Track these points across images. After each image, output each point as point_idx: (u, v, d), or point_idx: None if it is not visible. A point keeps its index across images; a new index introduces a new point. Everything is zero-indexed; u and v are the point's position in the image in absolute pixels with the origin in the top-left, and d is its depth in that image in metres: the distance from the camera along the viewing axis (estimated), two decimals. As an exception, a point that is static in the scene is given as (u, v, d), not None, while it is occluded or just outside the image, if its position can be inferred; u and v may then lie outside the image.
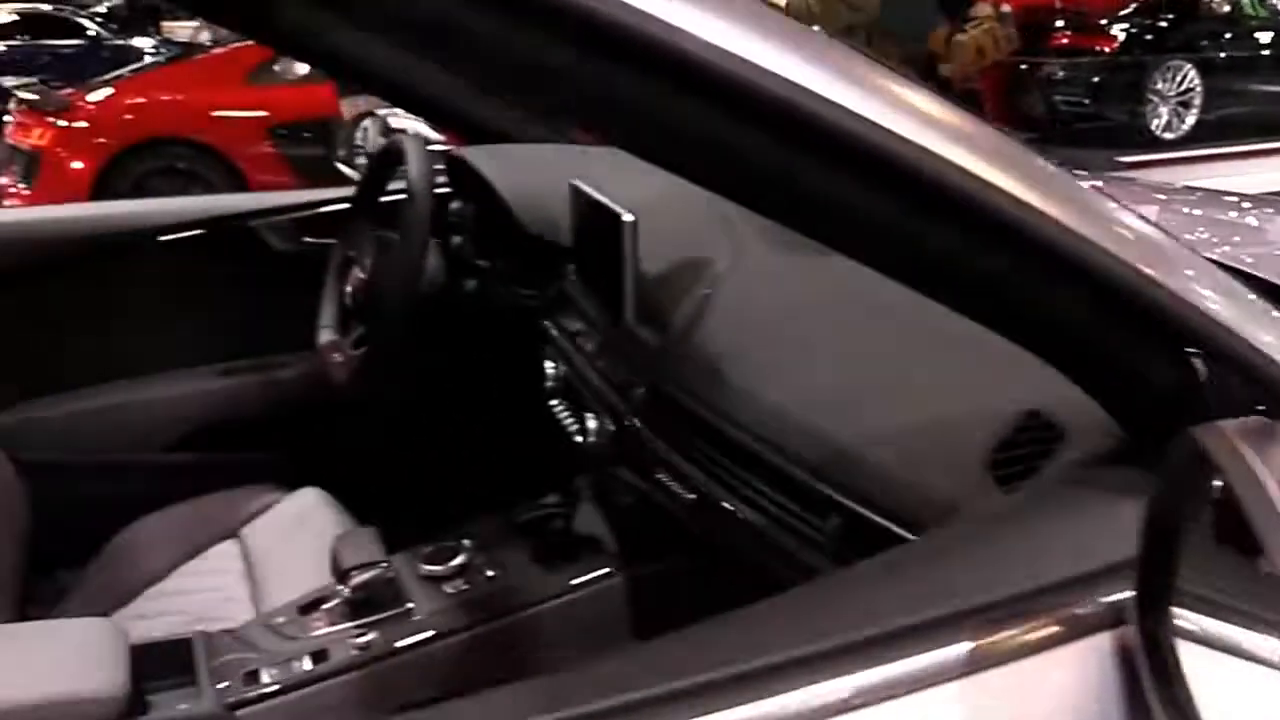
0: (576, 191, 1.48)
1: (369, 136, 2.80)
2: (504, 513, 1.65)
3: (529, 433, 1.84)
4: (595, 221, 1.41)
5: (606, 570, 1.47)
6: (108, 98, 6.25)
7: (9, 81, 6.51)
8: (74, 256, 1.98)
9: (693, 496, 1.15)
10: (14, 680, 1.23)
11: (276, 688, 1.32)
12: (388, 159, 1.81)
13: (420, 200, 1.58)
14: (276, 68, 6.34)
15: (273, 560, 1.70)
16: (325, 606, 1.44)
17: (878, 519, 0.94)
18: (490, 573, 1.49)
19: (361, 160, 2.71)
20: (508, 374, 1.79)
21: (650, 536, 1.48)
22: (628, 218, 1.29)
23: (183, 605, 1.67)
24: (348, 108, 4.42)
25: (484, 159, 1.77)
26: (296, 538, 1.75)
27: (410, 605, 1.43)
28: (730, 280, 1.31)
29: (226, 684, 1.32)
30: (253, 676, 1.33)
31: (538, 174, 1.79)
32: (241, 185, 6.04)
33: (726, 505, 1.10)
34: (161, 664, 1.33)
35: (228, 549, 1.76)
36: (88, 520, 1.91)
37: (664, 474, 1.21)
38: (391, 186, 1.86)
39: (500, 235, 1.74)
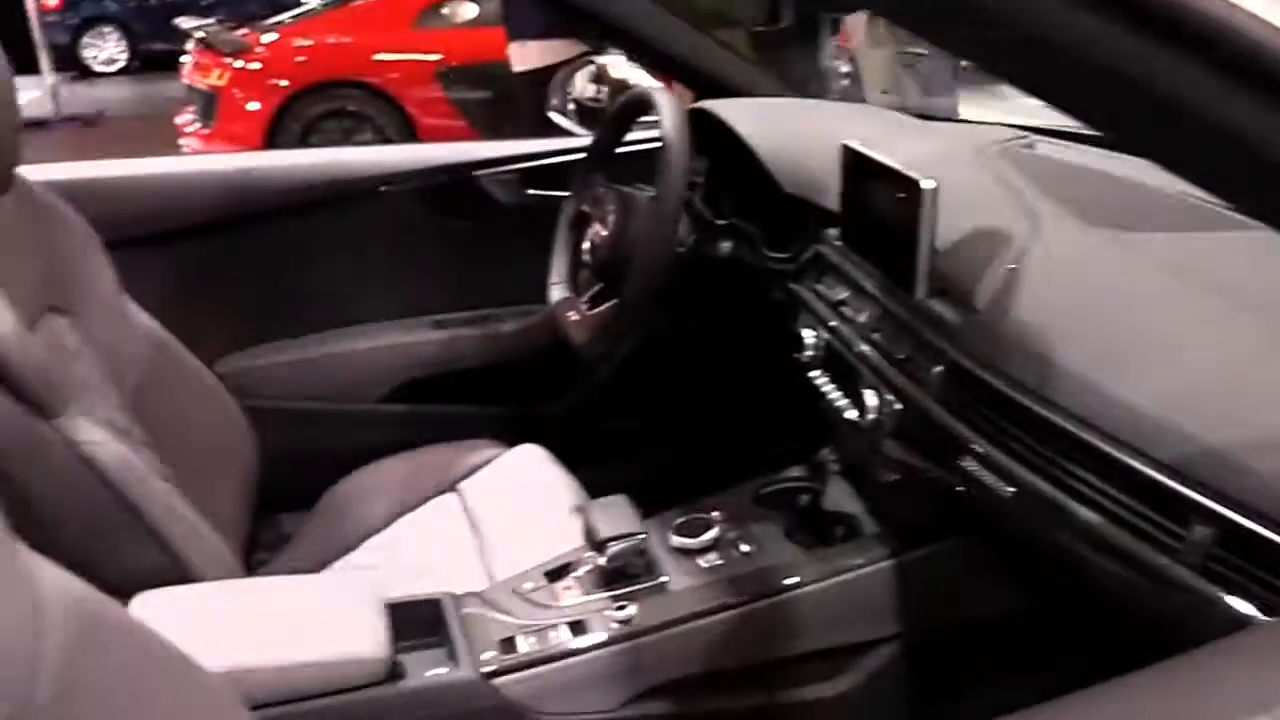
0: (852, 153, 1.38)
1: (577, 86, 2.74)
2: (744, 484, 1.58)
3: (770, 402, 1.77)
4: (878, 186, 1.31)
5: (878, 553, 1.40)
6: (282, 40, 6.35)
7: (187, 23, 6.64)
8: (301, 203, 1.97)
9: (1012, 489, 1.06)
10: (283, 638, 1.22)
11: (534, 657, 1.29)
12: (630, 110, 1.74)
13: (678, 155, 1.51)
14: (444, 11, 6.35)
15: (495, 517, 1.68)
16: (575, 574, 1.40)
17: (1270, 534, 0.83)
18: (745, 548, 1.43)
19: (572, 108, 2.66)
20: (752, 339, 1.72)
21: (918, 519, 1.40)
22: (927, 184, 1.20)
23: (402, 557, 1.66)
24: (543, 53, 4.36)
25: (733, 113, 1.68)
26: (519, 495, 1.73)
27: (664, 578, 1.38)
28: (1036, 255, 1.20)
29: (483, 651, 1.29)
30: (509, 644, 1.30)
31: (789, 130, 1.70)
32: (410, 129, 6.08)
33: (1056, 501, 1.01)
34: (412, 625, 1.32)
35: (447, 502, 1.75)
36: (308, 468, 1.93)
37: (971, 462, 1.12)
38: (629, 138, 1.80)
39: (747, 193, 1.66)
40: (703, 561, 1.41)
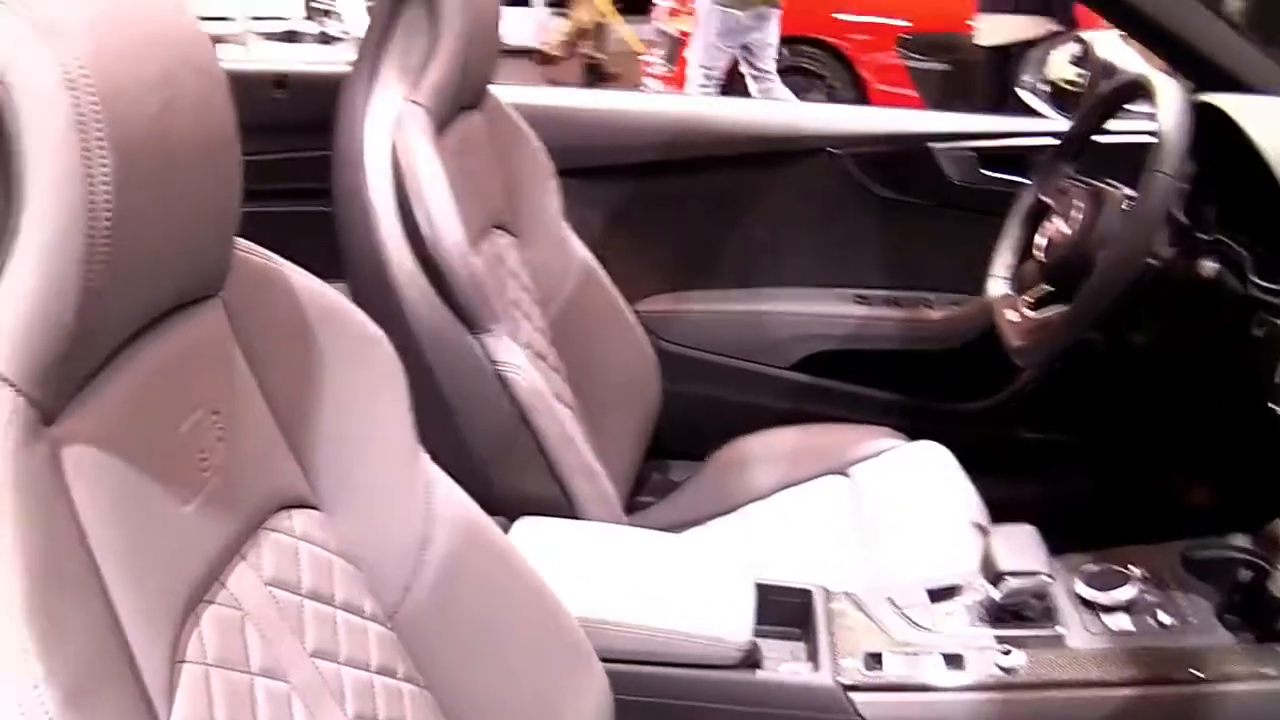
0: None
1: (1055, 64, 2.52)
2: (1171, 541, 1.37)
3: (1221, 450, 1.53)
4: None
5: None
6: (753, -10, 6.40)
7: (664, -32, 6.88)
8: (743, 154, 1.94)
9: None
10: (649, 598, 1.20)
11: (900, 682, 1.18)
12: (1120, 96, 1.53)
13: (1173, 153, 1.30)
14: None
15: (884, 512, 1.58)
16: (962, 601, 1.27)
17: None
18: (1165, 619, 1.23)
19: (1044, 89, 2.45)
20: (1213, 374, 1.48)
21: None
22: None
23: (779, 531, 1.60)
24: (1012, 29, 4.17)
25: (1246, 113, 1.43)
26: (913, 494, 1.61)
27: (1061, 630, 1.22)
28: None
29: (845, 658, 1.20)
30: (875, 659, 1.20)
31: None
32: (862, 93, 5.96)
33: None
34: (776, 610, 1.25)
35: (835, 484, 1.67)
36: (705, 420, 1.91)
37: None
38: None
39: (1243, 208, 1.41)
40: (1111, 622, 1.23)
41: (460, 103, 1.46)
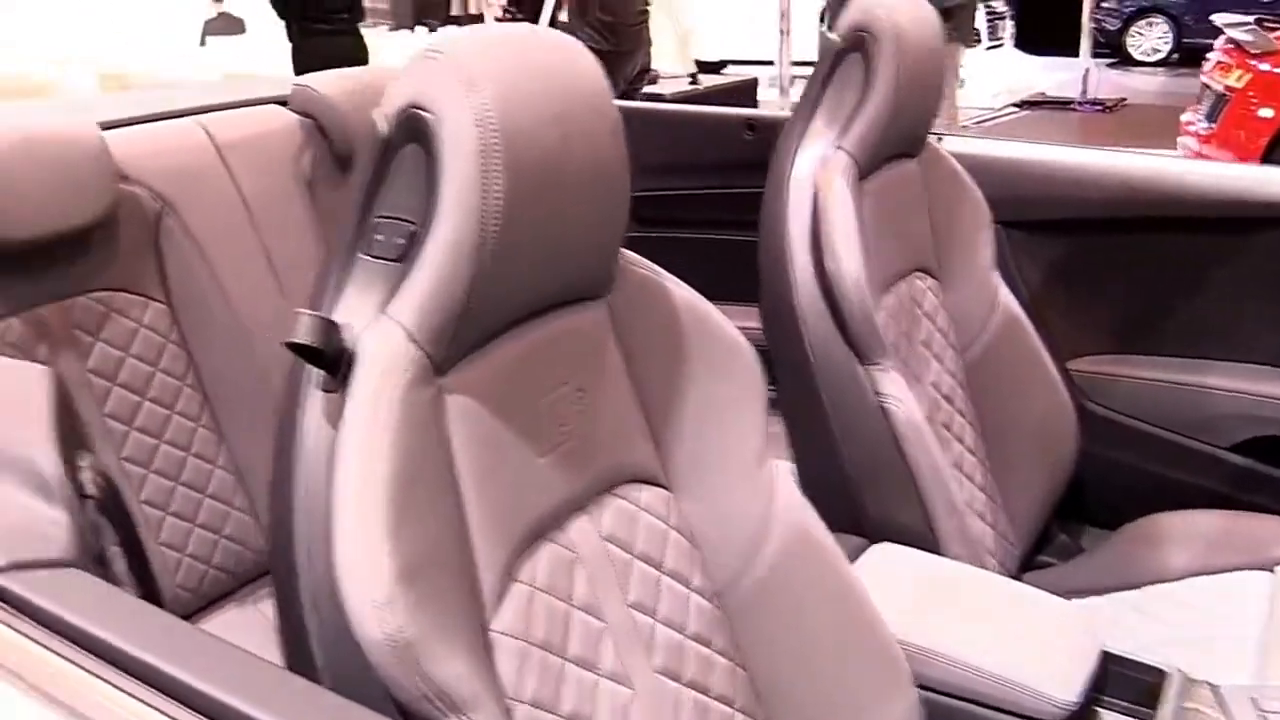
0: None
1: None
2: None
3: None
4: None
5: None
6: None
7: (1224, 19, 6.36)
8: (1202, 218, 1.84)
9: None
10: (980, 636, 1.23)
11: None
12: None
13: None
14: None
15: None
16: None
17: None
18: None
19: None
20: None
21: None
22: None
23: (1179, 618, 1.51)
24: None
25: None
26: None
27: None
28: None
29: None
30: None
31: None
32: None
33: None
34: (1121, 684, 1.22)
35: (1255, 581, 1.54)
36: (1124, 489, 1.84)
37: None
38: None
39: None
40: None
41: (889, 151, 1.56)
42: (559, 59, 0.87)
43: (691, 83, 6.97)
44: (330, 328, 0.79)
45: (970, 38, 6.36)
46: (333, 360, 0.80)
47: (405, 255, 0.82)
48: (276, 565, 0.82)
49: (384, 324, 0.81)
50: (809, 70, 1.58)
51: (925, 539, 1.45)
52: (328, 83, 1.82)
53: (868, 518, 1.46)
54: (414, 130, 0.81)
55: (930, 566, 1.36)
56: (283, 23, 5.29)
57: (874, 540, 1.41)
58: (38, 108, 2.15)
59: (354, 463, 0.76)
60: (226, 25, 10.08)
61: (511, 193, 0.80)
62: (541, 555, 0.91)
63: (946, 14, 6.15)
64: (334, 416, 0.79)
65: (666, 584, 1.01)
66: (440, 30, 7.10)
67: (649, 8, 5.03)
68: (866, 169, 1.50)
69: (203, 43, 9.91)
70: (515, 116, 0.80)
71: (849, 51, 1.49)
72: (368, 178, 0.83)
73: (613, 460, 1.00)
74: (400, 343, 0.80)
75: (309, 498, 0.79)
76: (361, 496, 0.75)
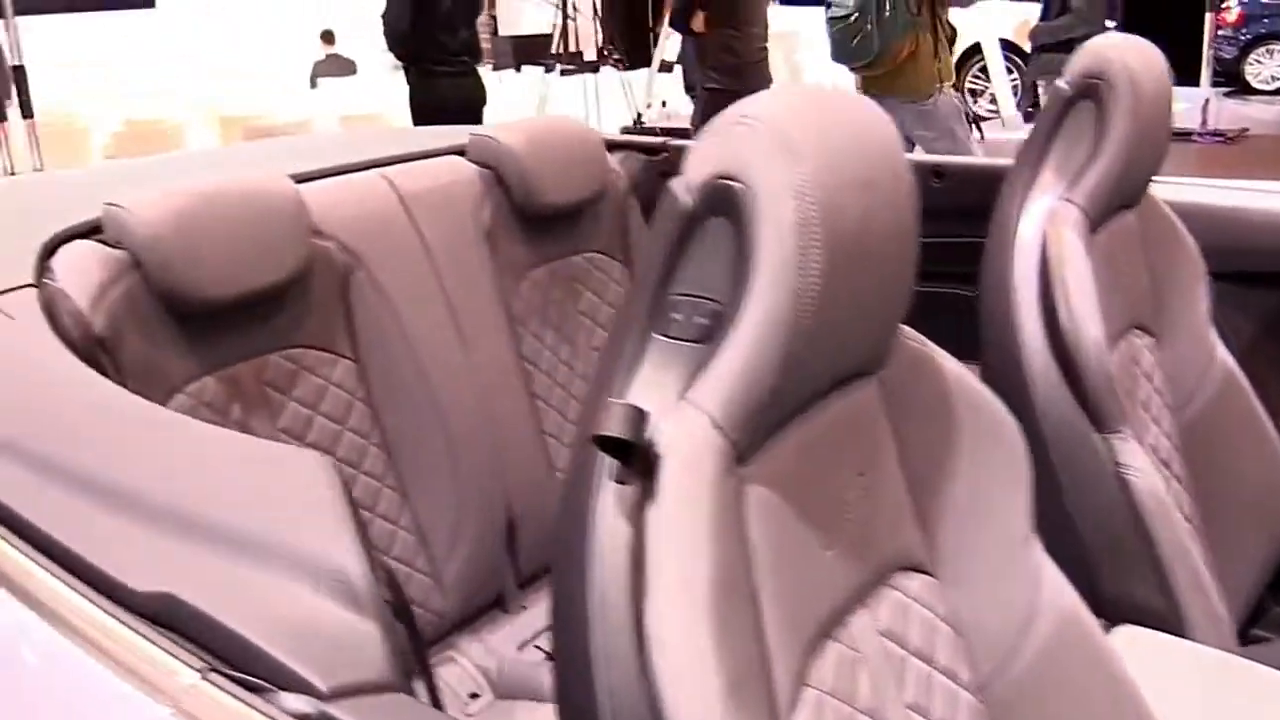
0: None
1: None
2: None
3: None
4: None
5: None
6: None
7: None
8: None
9: None
10: None
11: None
12: None
13: None
14: None
15: None
16: None
17: None
18: None
19: None
20: None
21: None
22: None
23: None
24: None
25: None
26: None
27: None
28: None
29: None
30: None
31: None
32: None
33: None
34: None
35: None
36: None
37: None
38: None
39: None
40: None
41: (1117, 202, 1.46)
42: (863, 120, 0.80)
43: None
44: (642, 419, 0.73)
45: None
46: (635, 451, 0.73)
47: (708, 336, 0.76)
48: (563, 655, 0.76)
49: (687, 411, 0.74)
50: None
51: (1167, 619, 1.34)
52: (507, 132, 1.78)
53: (1104, 596, 1.35)
54: (722, 202, 0.74)
55: (1186, 655, 1.25)
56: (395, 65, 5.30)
57: (1111, 620, 1.31)
58: (219, 157, 2.15)
59: (672, 568, 0.69)
60: (337, 67, 10.28)
61: (828, 268, 0.73)
62: (829, 656, 0.84)
63: (1069, 45, 6.02)
64: (631, 512, 0.73)
65: (939, 681, 0.94)
66: (553, 71, 7.11)
67: (768, 45, 4.97)
68: (1096, 222, 1.41)
69: (313, 85, 10.10)
70: (831, 186, 0.74)
71: (1080, 99, 1.40)
72: (664, 252, 0.77)
73: (888, 547, 0.92)
74: (705, 432, 0.74)
75: (606, 598, 0.73)
76: (684, 604, 0.69)
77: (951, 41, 4.28)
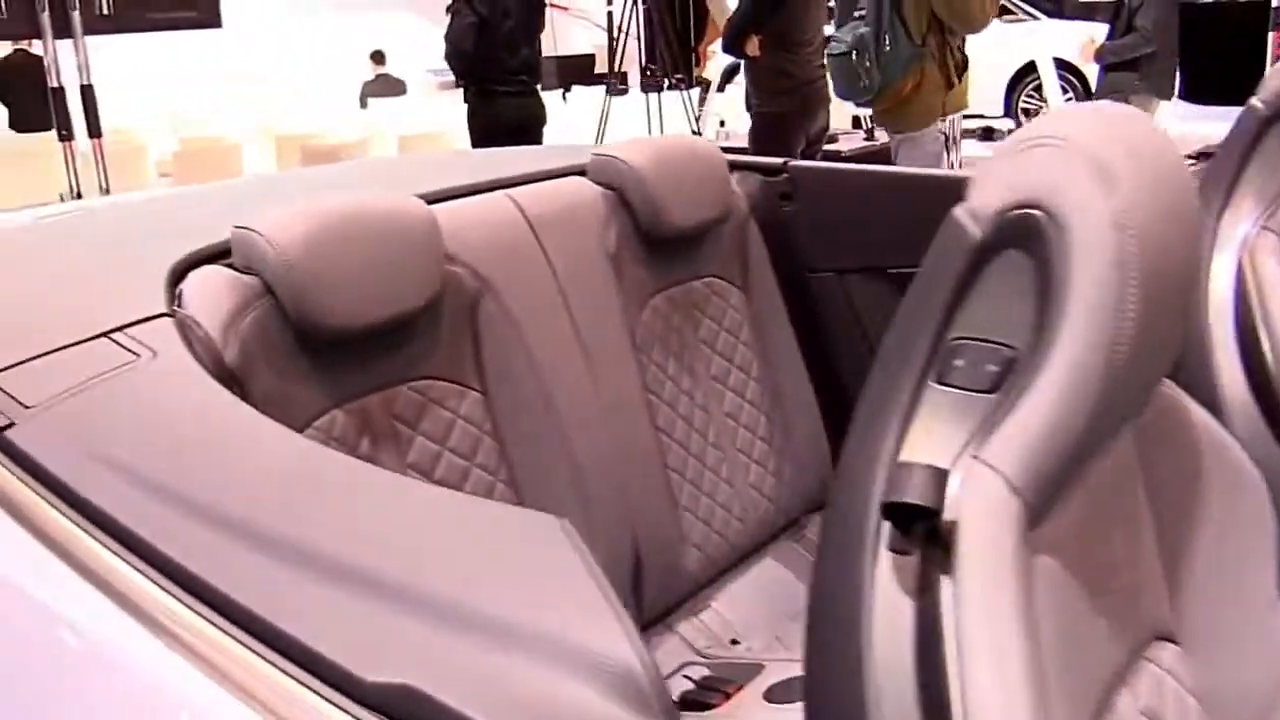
0: None
1: None
2: None
3: None
4: None
5: None
6: None
7: None
8: None
9: None
10: None
11: None
12: None
13: None
14: None
15: None
16: None
17: None
18: None
19: None
20: None
21: None
22: None
23: None
24: None
25: None
26: None
27: None
28: None
29: None
30: None
31: None
32: None
33: None
34: None
35: None
36: None
37: None
38: None
39: None
40: None
41: None
42: (1158, 142, 0.71)
43: (867, 138, 6.80)
44: (943, 482, 0.64)
45: (1167, 88, 6.01)
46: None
47: (998, 385, 0.66)
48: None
49: (979, 471, 0.65)
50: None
51: None
52: (631, 152, 1.70)
53: None
54: (1022, 233, 0.65)
55: None
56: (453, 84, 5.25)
57: None
58: (344, 173, 2.07)
59: (984, 652, 0.60)
60: (386, 87, 10.28)
61: (1143, 310, 0.64)
62: None
63: (1134, 64, 5.88)
64: (918, 584, 0.64)
65: None
66: (616, 92, 7.04)
67: (825, 64, 4.87)
68: None
69: (363, 104, 10.10)
70: (1149, 217, 0.64)
71: (1278, 119, 1.30)
72: (945, 290, 0.68)
73: (1146, 615, 0.83)
74: (1002, 495, 0.65)
75: (894, 674, 0.63)
76: (999, 687, 0.59)
77: (962, 70, 4.14)
